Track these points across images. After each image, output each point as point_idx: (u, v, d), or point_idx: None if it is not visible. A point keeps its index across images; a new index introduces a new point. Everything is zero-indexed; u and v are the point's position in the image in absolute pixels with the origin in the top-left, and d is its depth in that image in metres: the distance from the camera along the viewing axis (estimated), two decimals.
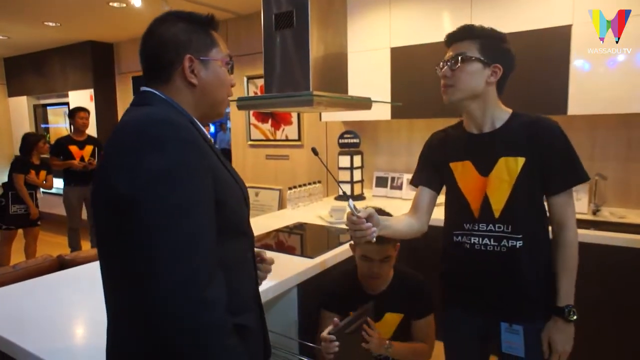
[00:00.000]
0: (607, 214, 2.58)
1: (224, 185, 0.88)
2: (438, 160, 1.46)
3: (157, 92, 0.93)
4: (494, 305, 1.37)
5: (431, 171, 1.49)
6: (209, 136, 0.95)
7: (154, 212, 0.75)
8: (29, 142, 4.16)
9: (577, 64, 2.42)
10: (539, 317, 1.34)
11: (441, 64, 1.35)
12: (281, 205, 4.19)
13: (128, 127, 0.84)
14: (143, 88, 0.95)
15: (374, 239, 1.26)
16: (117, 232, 0.80)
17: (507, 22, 2.56)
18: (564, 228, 1.31)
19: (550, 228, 1.36)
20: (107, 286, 0.90)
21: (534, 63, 2.50)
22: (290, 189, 3.08)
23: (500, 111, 1.35)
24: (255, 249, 1.10)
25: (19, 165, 4.12)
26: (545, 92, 2.49)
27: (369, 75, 3.11)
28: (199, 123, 0.95)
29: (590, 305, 2.15)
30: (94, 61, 5.63)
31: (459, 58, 1.29)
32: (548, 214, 1.35)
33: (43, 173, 4.26)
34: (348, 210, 1.26)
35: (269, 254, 1.18)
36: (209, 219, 0.82)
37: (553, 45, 2.46)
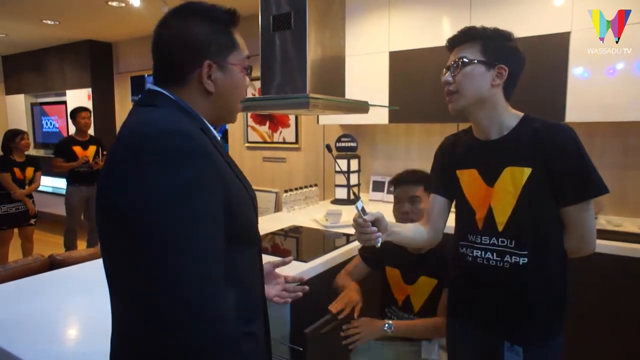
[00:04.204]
0: (604, 222, 2.56)
1: (233, 194, 0.84)
2: (447, 166, 1.40)
3: (166, 92, 0.87)
4: (495, 322, 1.30)
5: (442, 178, 1.43)
6: (218, 139, 0.91)
7: (163, 230, 0.71)
8: (6, 139, 4.09)
9: (576, 71, 2.41)
10: (541, 339, 1.26)
11: (444, 70, 1.28)
12: (277, 207, 4.18)
13: (134, 137, 0.77)
14: (151, 87, 0.89)
15: (379, 244, 1.23)
16: (121, 247, 0.76)
17: (506, 28, 2.55)
18: (580, 243, 1.23)
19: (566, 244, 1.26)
20: (114, 294, 0.87)
21: (532, 69, 2.46)
22: (286, 191, 3.06)
23: (509, 116, 1.26)
24: (271, 261, 1.11)
25: (0, 164, 4.05)
26: (543, 98, 2.49)
27: (367, 78, 3.10)
28: (209, 125, 0.90)
29: (586, 314, 2.14)
30: (92, 60, 5.62)
31: (460, 62, 1.23)
32: (564, 230, 1.24)
33: (30, 170, 4.19)
34: (356, 211, 1.23)
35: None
36: (220, 234, 0.78)
37: (551, 51, 2.45)
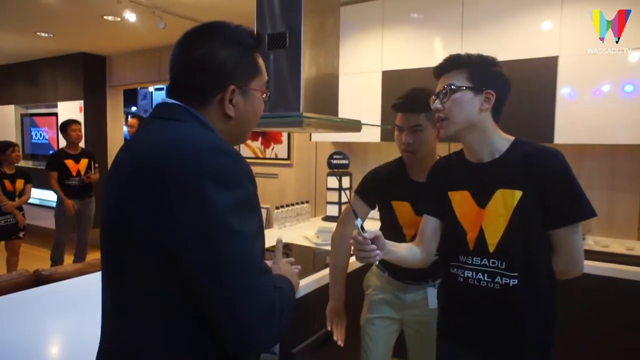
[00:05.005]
0: (592, 242, 2.59)
1: None
2: (439, 187, 1.42)
3: (191, 110, 0.85)
4: (486, 343, 1.31)
5: (433, 199, 1.44)
6: None
7: (227, 245, 0.73)
8: None
9: (564, 93, 2.46)
10: None
11: (433, 97, 1.32)
12: (268, 224, 4.15)
13: (187, 153, 0.75)
14: (170, 100, 0.87)
15: (377, 262, 1.23)
16: (159, 262, 0.75)
17: (496, 50, 2.57)
18: (569, 265, 1.25)
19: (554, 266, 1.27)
20: (132, 314, 0.81)
21: (521, 92, 2.53)
22: (277, 208, 3.05)
23: (500, 140, 1.29)
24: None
25: None
26: (532, 121, 2.53)
27: (360, 97, 3.13)
28: None
29: (574, 335, 2.14)
30: (85, 73, 5.61)
31: (449, 89, 1.26)
32: (553, 252, 1.26)
33: (20, 182, 4.15)
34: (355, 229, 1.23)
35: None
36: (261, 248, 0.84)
37: (540, 74, 2.51)
